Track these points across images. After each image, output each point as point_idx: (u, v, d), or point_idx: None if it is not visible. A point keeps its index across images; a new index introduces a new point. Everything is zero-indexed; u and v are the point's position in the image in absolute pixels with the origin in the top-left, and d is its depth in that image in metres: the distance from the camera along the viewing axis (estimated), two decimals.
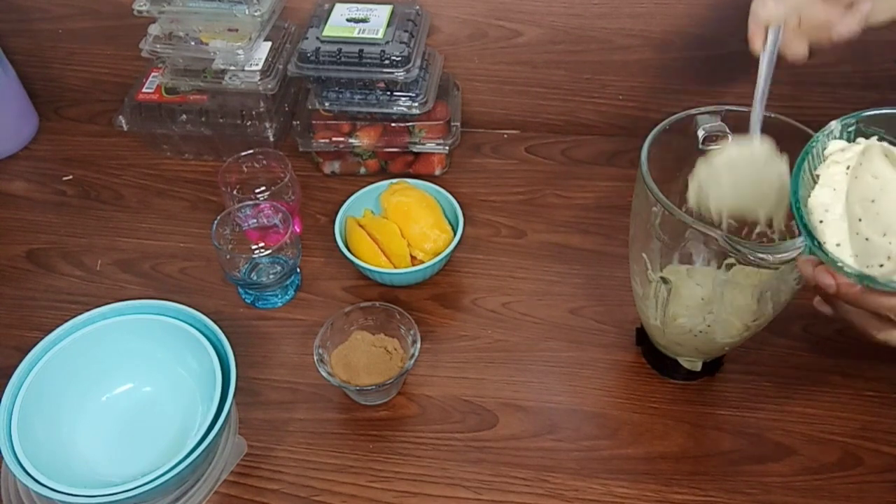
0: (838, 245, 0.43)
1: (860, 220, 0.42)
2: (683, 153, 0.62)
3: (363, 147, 0.89)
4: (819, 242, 0.43)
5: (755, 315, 0.62)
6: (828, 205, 0.43)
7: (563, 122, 0.98)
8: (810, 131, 0.54)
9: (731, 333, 0.63)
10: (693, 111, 0.60)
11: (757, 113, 0.57)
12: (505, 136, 0.99)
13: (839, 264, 0.42)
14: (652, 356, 0.72)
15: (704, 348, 0.67)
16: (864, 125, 0.46)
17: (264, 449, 0.67)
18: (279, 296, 0.79)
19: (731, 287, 0.60)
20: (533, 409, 0.70)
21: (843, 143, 0.45)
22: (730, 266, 0.61)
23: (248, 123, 0.90)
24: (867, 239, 0.42)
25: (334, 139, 0.89)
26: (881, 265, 0.41)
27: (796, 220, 0.44)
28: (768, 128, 0.57)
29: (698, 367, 0.69)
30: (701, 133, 0.60)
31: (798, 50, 0.60)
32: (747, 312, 0.61)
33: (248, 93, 0.87)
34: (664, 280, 0.62)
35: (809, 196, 0.44)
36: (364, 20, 0.85)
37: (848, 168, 0.44)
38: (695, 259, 0.64)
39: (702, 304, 0.62)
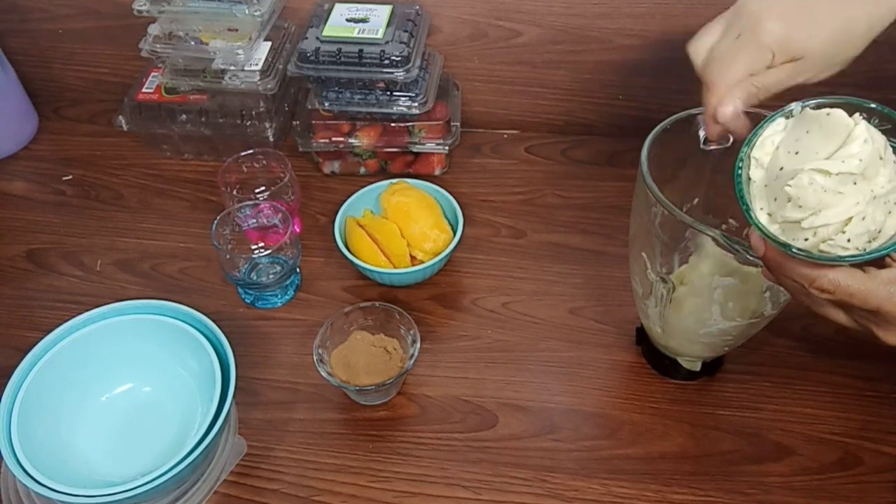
0: (769, 215, 0.45)
1: (776, 198, 0.44)
2: (683, 153, 0.62)
3: (363, 147, 0.89)
4: (749, 207, 0.45)
5: (755, 315, 0.62)
6: (757, 176, 0.46)
7: (563, 122, 0.98)
8: None
9: (730, 333, 0.63)
10: (693, 111, 0.60)
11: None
12: (505, 136, 0.98)
13: (762, 228, 0.44)
14: (651, 356, 0.72)
15: (704, 348, 0.67)
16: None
17: (264, 449, 0.67)
18: (279, 296, 0.79)
19: (730, 287, 0.60)
20: (533, 409, 0.70)
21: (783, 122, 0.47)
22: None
23: (248, 123, 0.90)
24: (786, 217, 0.44)
25: (334, 139, 0.89)
26: (806, 239, 0.43)
27: (734, 185, 0.46)
28: None
29: (698, 367, 0.69)
30: (702, 133, 0.60)
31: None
32: (746, 312, 0.61)
33: (248, 93, 0.87)
34: (663, 279, 0.62)
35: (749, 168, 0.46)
36: (364, 20, 0.85)
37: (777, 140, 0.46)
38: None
39: (701, 305, 0.62)
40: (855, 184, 0.42)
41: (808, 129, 0.44)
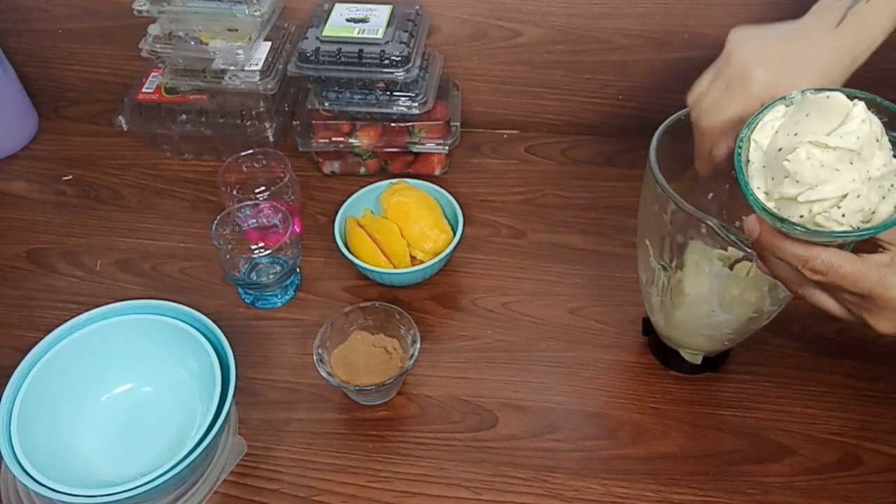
0: (766, 193, 0.45)
1: (773, 177, 0.45)
2: (692, 149, 0.61)
3: (363, 147, 0.89)
4: (747, 183, 0.45)
5: (754, 308, 0.62)
6: (756, 157, 0.46)
7: (563, 122, 0.98)
8: None
9: (730, 326, 0.64)
10: None
11: None
12: (505, 136, 0.98)
13: (758, 202, 0.44)
14: (656, 347, 0.73)
15: (705, 341, 0.67)
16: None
17: (264, 449, 0.67)
18: (279, 296, 0.79)
19: (729, 280, 0.60)
20: (533, 409, 0.70)
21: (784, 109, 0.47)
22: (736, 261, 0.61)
23: (248, 123, 0.90)
24: (784, 194, 0.44)
25: (334, 139, 0.89)
26: (801, 216, 0.43)
27: (735, 166, 0.46)
28: None
29: (698, 360, 0.69)
30: None
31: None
32: (745, 305, 0.61)
33: (248, 93, 0.87)
34: (664, 268, 0.62)
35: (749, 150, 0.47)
36: (364, 20, 0.85)
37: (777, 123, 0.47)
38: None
39: (701, 296, 0.62)
40: (851, 163, 0.42)
41: (807, 112, 0.44)
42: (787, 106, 0.46)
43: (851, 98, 0.44)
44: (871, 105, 0.44)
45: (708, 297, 0.62)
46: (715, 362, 0.71)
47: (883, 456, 0.66)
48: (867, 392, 0.70)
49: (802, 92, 0.46)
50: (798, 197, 0.43)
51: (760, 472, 0.65)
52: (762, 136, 0.46)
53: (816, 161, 0.42)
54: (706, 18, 0.87)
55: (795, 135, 0.44)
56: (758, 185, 0.45)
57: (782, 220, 0.44)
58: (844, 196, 0.42)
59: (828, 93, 0.44)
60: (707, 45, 0.88)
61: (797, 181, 0.43)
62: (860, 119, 0.42)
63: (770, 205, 0.45)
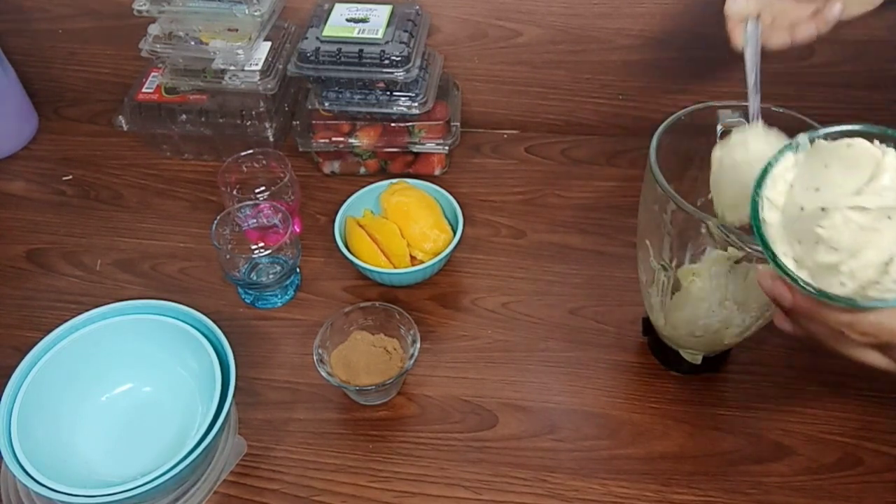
0: (796, 260, 0.41)
1: (800, 241, 0.41)
2: (692, 149, 0.61)
3: (363, 147, 0.89)
4: (774, 254, 0.41)
5: (753, 310, 0.62)
6: (774, 218, 0.43)
7: (563, 122, 0.98)
8: (817, 125, 0.50)
9: (729, 327, 0.64)
10: (715, 104, 0.60)
11: (753, 105, 0.56)
12: (505, 136, 0.98)
13: (795, 278, 0.41)
14: (656, 347, 0.73)
15: (705, 341, 0.67)
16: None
17: (264, 449, 0.67)
18: (279, 296, 0.79)
19: (728, 279, 0.60)
20: (533, 409, 0.70)
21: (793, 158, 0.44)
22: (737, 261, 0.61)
23: (248, 123, 0.90)
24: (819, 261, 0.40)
25: (334, 139, 0.89)
26: (842, 284, 0.40)
27: (753, 230, 0.42)
28: (775, 123, 0.56)
29: (699, 360, 0.69)
30: (719, 129, 0.60)
31: (777, 41, 0.59)
32: (744, 306, 0.61)
33: (248, 93, 0.87)
34: (664, 268, 0.62)
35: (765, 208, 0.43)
36: (364, 20, 0.85)
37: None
38: (697, 251, 0.64)
39: (701, 296, 0.62)
40: (889, 218, 0.39)
41: (826, 163, 0.41)
42: (794, 153, 0.43)
43: (870, 139, 0.40)
44: (882, 137, 0.41)
45: (708, 297, 0.62)
46: (715, 362, 0.71)
47: (883, 456, 0.66)
48: (867, 392, 0.70)
49: (810, 139, 0.42)
50: (840, 266, 0.39)
51: (760, 472, 0.65)
52: (776, 193, 0.42)
53: (855, 225, 0.39)
54: (706, 18, 0.87)
55: (817, 190, 0.40)
56: (783, 251, 0.41)
57: (830, 297, 0.39)
58: (891, 259, 0.38)
59: (848, 141, 0.40)
60: (707, 45, 0.89)
61: (834, 248, 0.39)
62: (894, 169, 0.39)
63: (802, 273, 0.41)
